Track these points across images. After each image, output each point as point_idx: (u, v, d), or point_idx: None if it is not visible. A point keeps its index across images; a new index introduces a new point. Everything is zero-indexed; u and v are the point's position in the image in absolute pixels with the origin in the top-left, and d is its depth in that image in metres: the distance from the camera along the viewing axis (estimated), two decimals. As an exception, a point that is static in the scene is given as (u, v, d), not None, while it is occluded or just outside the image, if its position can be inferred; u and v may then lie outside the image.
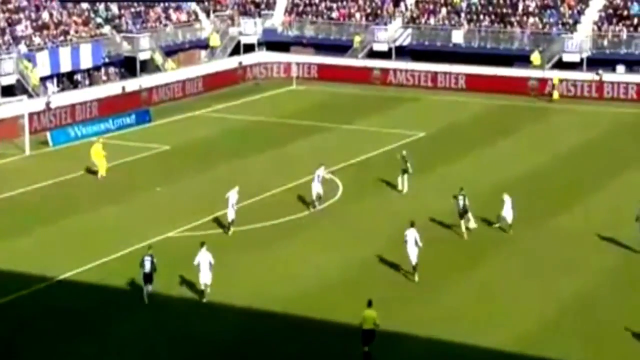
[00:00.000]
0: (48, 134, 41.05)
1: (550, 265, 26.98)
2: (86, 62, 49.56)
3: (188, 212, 31.24)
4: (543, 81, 51.76)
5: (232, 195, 29.11)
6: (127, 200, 32.91)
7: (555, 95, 50.42)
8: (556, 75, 51.09)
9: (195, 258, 24.41)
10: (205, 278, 24.23)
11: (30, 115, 40.84)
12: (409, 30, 56.84)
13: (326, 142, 41.51)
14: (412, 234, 25.67)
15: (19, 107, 40.26)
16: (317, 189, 31.39)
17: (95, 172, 35.61)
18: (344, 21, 59.02)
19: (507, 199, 29.45)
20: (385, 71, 55.29)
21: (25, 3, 50.60)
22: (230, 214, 28.99)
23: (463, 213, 28.83)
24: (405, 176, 33.42)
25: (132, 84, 50.21)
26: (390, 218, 30.86)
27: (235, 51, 58.40)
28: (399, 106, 49.55)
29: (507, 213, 29.32)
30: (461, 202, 28.86)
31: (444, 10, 57.77)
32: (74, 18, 52.08)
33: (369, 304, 21.66)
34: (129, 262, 27.05)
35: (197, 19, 58.97)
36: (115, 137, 42.84)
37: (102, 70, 51.28)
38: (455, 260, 27.29)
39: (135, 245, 28.25)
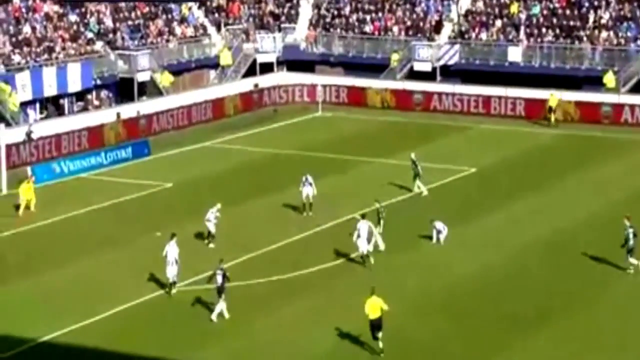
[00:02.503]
0: (29, 169, 41.48)
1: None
2: (74, 85, 50.21)
3: (192, 262, 31.36)
4: (619, 107, 51.65)
5: (211, 214, 32.68)
6: (121, 248, 33.10)
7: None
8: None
9: (164, 249, 28.30)
10: (171, 272, 28.53)
11: (8, 147, 41.35)
12: (457, 47, 57.09)
13: (357, 180, 41.61)
14: (364, 227, 30.34)
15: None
16: (308, 191, 35.31)
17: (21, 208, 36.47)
18: (379, 36, 59.44)
19: None
20: (428, 95, 55.47)
21: (3, 15, 51.47)
22: (210, 228, 32.63)
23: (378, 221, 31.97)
24: (417, 181, 37.62)
25: (128, 110, 50.74)
26: (424, 273, 30.87)
27: (251, 71, 58.91)
28: (445, 136, 49.62)
29: None
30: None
31: (498, 22, 57.98)
32: (61, 32, 52.88)
33: (372, 291, 24.61)
34: (120, 322, 27.17)
35: (205, 33, 59.66)
36: (108, 173, 43.25)
37: (94, 93, 51.90)
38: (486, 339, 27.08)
39: (129, 303, 28.37)
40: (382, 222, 33.24)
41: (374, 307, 24.45)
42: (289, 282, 30.18)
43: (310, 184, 36.16)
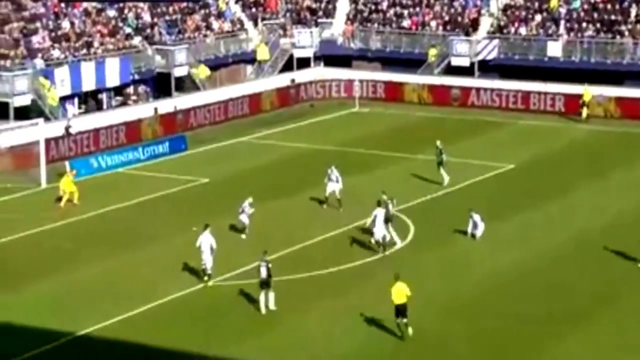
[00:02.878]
0: (67, 163, 42.03)
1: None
2: (113, 80, 50.73)
3: (229, 257, 31.66)
4: (662, 103, 51.27)
5: (246, 206, 33.36)
6: (158, 243, 33.49)
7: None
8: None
9: (197, 239, 29.07)
10: (207, 262, 29.03)
11: (47, 141, 41.88)
12: (496, 42, 56.90)
13: (394, 175, 41.69)
14: (380, 214, 31.21)
15: (34, 132, 41.30)
16: (334, 187, 35.84)
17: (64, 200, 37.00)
18: (416, 31, 59.40)
19: None
20: (466, 90, 55.36)
21: (42, 10, 52.09)
22: (244, 220, 33.40)
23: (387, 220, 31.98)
24: (441, 169, 38.53)
25: (165, 105, 51.20)
26: (455, 270, 30.97)
27: (288, 66, 59.15)
28: (483, 132, 49.53)
29: None
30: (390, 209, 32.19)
31: (538, 17, 57.70)
32: (99, 27, 53.43)
33: (397, 278, 25.63)
34: (160, 315, 27.53)
35: (242, 28, 59.97)
36: (145, 168, 43.70)
37: (131, 88, 52.40)
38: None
39: (167, 297, 28.72)
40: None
41: (399, 293, 25.46)
42: (324, 279, 30.37)
43: (337, 179, 36.44)
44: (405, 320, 25.55)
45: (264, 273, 27.54)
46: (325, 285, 29.85)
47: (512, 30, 57.49)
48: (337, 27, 61.18)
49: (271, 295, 27.64)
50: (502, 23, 58.14)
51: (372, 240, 32.24)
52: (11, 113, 45.98)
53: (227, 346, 25.83)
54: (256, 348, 25.80)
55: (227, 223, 34.76)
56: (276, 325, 27.00)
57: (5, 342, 25.98)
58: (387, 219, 32.40)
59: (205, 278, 29.67)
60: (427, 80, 56.64)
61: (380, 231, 31.69)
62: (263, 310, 27.60)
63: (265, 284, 27.55)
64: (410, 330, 25.78)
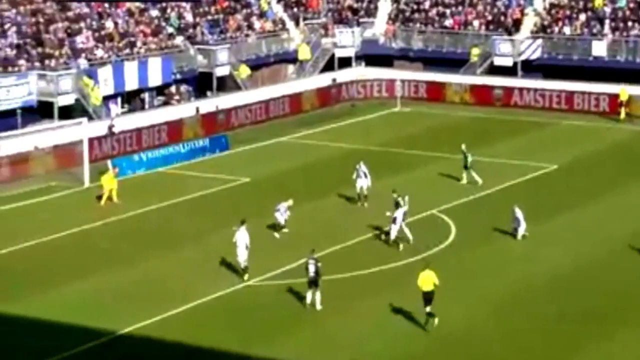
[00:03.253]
0: (109, 162, 42.48)
1: None
2: (155, 79, 51.18)
3: (268, 256, 31.88)
4: None
5: (283, 207, 33.76)
6: (198, 242, 33.77)
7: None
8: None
9: (234, 235, 29.40)
10: (242, 257, 29.51)
11: (91, 141, 42.36)
12: (539, 41, 56.59)
13: (436, 175, 41.64)
14: (400, 213, 32.12)
15: (78, 131, 41.81)
16: (362, 183, 36.32)
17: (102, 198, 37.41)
18: (459, 30, 59.25)
19: None
20: (509, 90, 55.13)
21: (86, 10, 52.70)
22: (279, 218, 33.67)
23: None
24: (470, 171, 39.03)
25: (207, 105, 51.57)
26: (497, 270, 30.93)
27: (329, 66, 59.28)
28: (526, 132, 49.31)
29: None
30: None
31: (582, 16, 57.28)
32: (142, 27, 53.94)
33: (426, 265, 26.57)
34: (200, 314, 27.79)
35: (284, 28, 60.21)
36: (186, 168, 44.05)
37: (173, 88, 52.84)
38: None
39: (207, 296, 28.99)
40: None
41: (427, 280, 26.20)
42: (365, 278, 30.45)
43: (365, 175, 36.83)
44: (428, 308, 26.04)
45: (312, 271, 27.67)
46: (366, 284, 29.91)
47: (556, 29, 57.12)
48: (379, 27, 61.20)
49: (318, 294, 27.75)
50: (545, 22, 57.79)
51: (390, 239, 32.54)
52: (55, 112, 46.56)
53: (265, 345, 25.97)
54: (294, 348, 25.91)
55: (267, 223, 34.95)
56: (316, 325, 27.13)
57: (45, 341, 26.32)
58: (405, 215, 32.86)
59: (242, 273, 29.99)
60: (469, 80, 56.47)
61: (394, 231, 32.13)
62: (308, 308, 27.73)
63: (313, 283, 27.64)
64: (436, 321, 26.13)
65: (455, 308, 27.93)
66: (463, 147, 39.69)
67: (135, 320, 27.19)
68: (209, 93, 53.72)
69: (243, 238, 29.82)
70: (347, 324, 27.28)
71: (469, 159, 39.39)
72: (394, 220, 32.36)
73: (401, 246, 32.31)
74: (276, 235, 33.91)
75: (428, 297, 26.13)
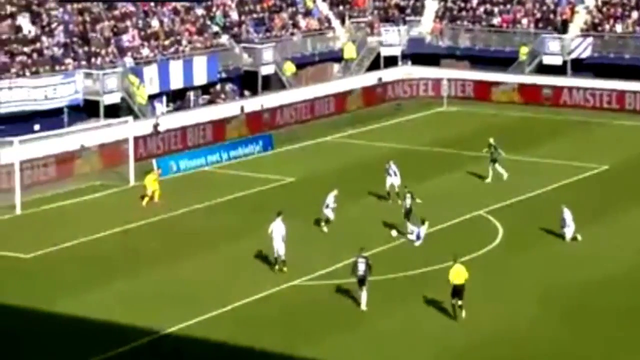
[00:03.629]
0: (154, 161, 42.76)
1: None
2: (200, 78, 51.43)
3: (317, 256, 31.86)
4: None
5: (330, 198, 33.95)
6: (242, 241, 33.84)
7: None
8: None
9: (270, 226, 29.98)
10: (279, 249, 29.94)
11: (136, 139, 42.63)
12: (589, 40, 55.98)
13: (481, 177, 41.36)
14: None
15: (124, 130, 42.13)
16: (393, 181, 36.77)
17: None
18: (507, 29, 58.80)
19: None
20: (558, 90, 54.62)
21: (132, 9, 53.10)
22: (329, 214, 33.96)
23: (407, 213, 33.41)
24: (496, 165, 39.17)
25: (252, 104, 51.70)
26: (545, 273, 30.63)
27: (375, 65, 59.16)
28: (576, 132, 48.84)
29: None
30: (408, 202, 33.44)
31: (635, 14, 56.53)
32: (187, 26, 54.23)
33: (455, 259, 27.01)
34: (243, 314, 27.85)
35: (330, 26, 60.18)
36: (231, 167, 44.20)
37: (218, 86, 53.06)
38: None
39: (251, 296, 29.04)
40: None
41: (458, 274, 26.74)
42: (411, 279, 30.32)
43: (395, 174, 37.08)
44: (460, 302, 26.52)
45: (361, 269, 27.63)
46: (411, 285, 29.78)
47: (607, 27, 56.46)
48: (426, 25, 60.93)
49: (364, 294, 27.73)
50: (596, 20, 57.14)
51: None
52: (101, 111, 46.94)
53: (310, 346, 25.96)
54: (340, 348, 25.86)
55: (312, 223, 34.95)
56: (359, 326, 27.06)
57: (89, 340, 26.51)
58: (407, 213, 33.28)
59: (277, 266, 30.34)
60: (517, 79, 56.03)
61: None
62: (364, 307, 27.71)
63: (362, 281, 27.64)
64: (463, 313, 26.55)
65: (502, 309, 27.75)
66: (491, 140, 39.81)
67: (179, 320, 27.31)
68: (247, 92, 53.72)
69: (279, 230, 30.17)
70: (392, 325, 27.17)
71: (498, 153, 39.64)
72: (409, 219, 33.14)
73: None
74: (324, 229, 34.04)
75: (458, 290, 26.63)
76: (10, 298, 28.92)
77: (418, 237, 33.14)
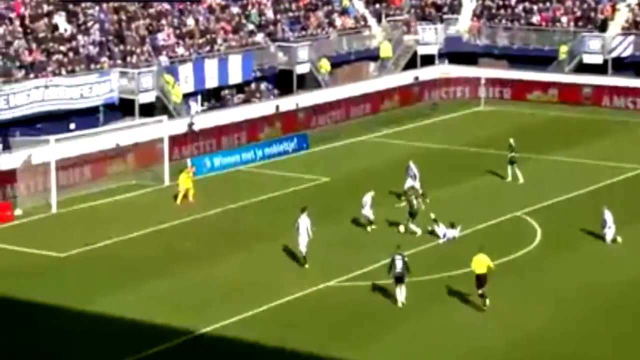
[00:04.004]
0: (189, 160, 42.97)
1: None
2: (235, 77, 51.61)
3: (352, 257, 31.89)
4: None
5: (367, 199, 34.06)
6: (278, 241, 33.89)
7: None
8: None
9: (296, 222, 30.71)
10: (302, 243, 30.76)
11: (171, 138, 42.85)
12: (631, 38, 55.50)
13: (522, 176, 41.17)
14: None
15: (159, 129, 42.39)
16: (410, 183, 36.61)
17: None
18: (546, 27, 58.44)
19: None
20: (598, 89, 54.18)
21: (167, 7, 53.41)
22: (368, 215, 34.13)
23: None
24: (514, 166, 39.17)
25: (287, 103, 51.80)
26: (586, 274, 30.52)
27: (411, 64, 59.04)
28: (616, 133, 48.46)
29: None
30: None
31: (676, 12, 56.02)
32: (222, 24, 54.45)
33: (480, 249, 27.69)
34: (281, 315, 27.93)
35: (365, 25, 60.15)
36: (266, 166, 44.32)
37: (253, 85, 53.21)
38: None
39: (288, 296, 29.12)
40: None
41: (480, 263, 27.55)
42: (446, 281, 30.26)
43: (415, 176, 37.10)
44: (481, 290, 27.25)
45: (399, 267, 27.88)
46: (448, 286, 29.70)
47: (649, 26, 55.97)
48: (463, 24, 60.70)
49: (404, 290, 28.04)
50: (638, 18, 56.61)
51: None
52: (136, 110, 47.26)
53: (342, 347, 25.97)
54: (372, 350, 25.86)
55: (347, 223, 34.96)
56: (396, 327, 27.07)
57: (124, 340, 26.73)
58: (412, 214, 33.47)
59: (301, 261, 31.07)
60: (557, 78, 55.67)
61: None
62: (400, 304, 27.94)
63: (400, 279, 27.87)
64: (487, 302, 27.26)
65: (540, 310, 27.65)
66: (511, 141, 39.89)
67: (214, 320, 27.45)
68: (275, 90, 53.77)
69: (304, 225, 30.90)
70: (431, 325, 27.16)
71: (515, 154, 39.60)
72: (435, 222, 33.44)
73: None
74: (369, 229, 34.32)
75: (481, 280, 27.32)
76: (45, 297, 29.22)
77: (444, 236, 33.22)
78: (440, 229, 33.39)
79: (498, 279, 29.68)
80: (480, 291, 27.29)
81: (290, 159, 45.55)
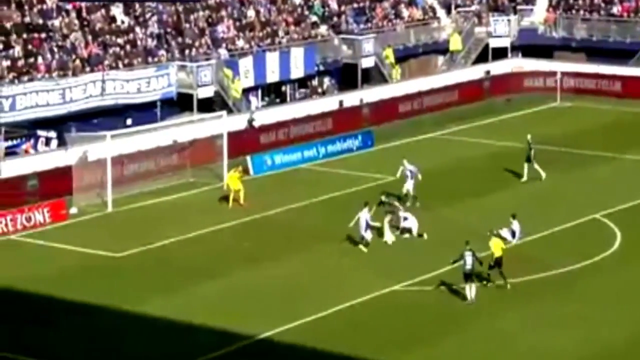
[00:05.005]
0: (249, 158, 43.18)
1: None
2: (297, 71, 51.72)
3: (418, 260, 31.78)
4: None
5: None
6: (340, 244, 33.90)
7: None
8: None
9: (357, 215, 32.36)
10: (365, 235, 32.36)
11: (230, 135, 43.06)
12: None
13: (599, 177, 40.66)
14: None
15: (217, 125, 42.65)
16: (408, 186, 37.06)
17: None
18: (628, 18, 57.60)
19: None
20: (683, 84, 53.33)
21: (228, -1, 53.74)
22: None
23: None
24: (531, 164, 39.51)
25: (351, 98, 51.81)
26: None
27: (482, 57, 58.66)
28: None
29: None
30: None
31: None
32: (284, 16, 54.63)
33: (491, 234, 30.18)
34: (343, 319, 27.92)
35: (434, 16, 59.92)
36: (328, 165, 44.34)
37: (315, 80, 53.29)
38: None
39: (351, 300, 29.11)
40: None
41: (497, 246, 29.75)
42: (525, 285, 30.02)
43: (411, 175, 37.27)
44: (501, 270, 29.38)
45: (469, 263, 28.27)
46: (526, 291, 29.52)
47: None
48: (538, 15, 60.12)
49: (474, 287, 28.30)
50: None
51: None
52: (195, 105, 47.60)
53: (407, 354, 25.87)
54: (440, 356, 25.74)
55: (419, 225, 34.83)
56: (463, 332, 26.92)
57: (177, 345, 26.86)
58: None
59: (364, 245, 32.59)
60: (639, 72, 54.83)
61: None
62: (469, 300, 28.25)
63: (469, 276, 28.22)
64: (508, 284, 29.01)
65: (618, 318, 27.25)
66: (529, 137, 40.01)
67: (273, 324, 27.50)
68: (338, 85, 53.78)
69: (365, 218, 32.42)
70: (506, 328, 26.99)
71: (532, 151, 39.65)
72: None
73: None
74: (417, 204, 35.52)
75: (499, 261, 29.43)
76: (100, 297, 29.58)
77: (513, 236, 33.22)
78: (504, 232, 33.09)
79: (576, 284, 29.47)
80: (500, 270, 29.25)
81: (355, 157, 45.53)
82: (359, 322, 27.96)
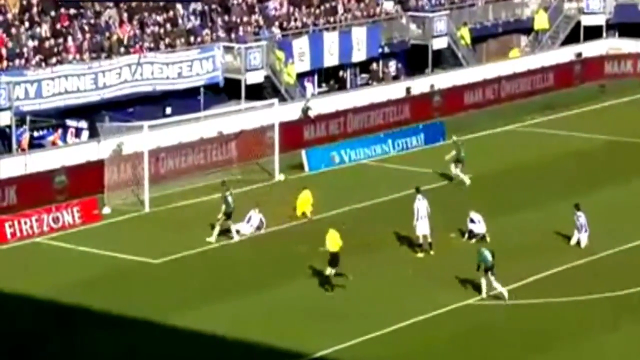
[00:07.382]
0: (303, 153, 43.51)
1: None
2: (359, 53, 51.89)
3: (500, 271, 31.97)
4: None
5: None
6: (408, 251, 34.11)
7: None
8: None
9: (413, 204, 33.31)
10: (421, 228, 33.34)
11: (282, 126, 43.32)
12: None
13: None
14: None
15: (268, 114, 42.99)
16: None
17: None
18: None
19: None
20: None
21: (283, -30, 54.03)
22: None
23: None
24: (460, 166, 40.01)
25: (420, 84, 51.93)
26: None
27: (572, 37, 58.43)
28: None
29: None
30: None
31: None
32: (346, -10, 54.76)
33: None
34: (412, 338, 28.08)
35: (517, -10, 59.78)
36: (394, 161, 44.50)
37: (380, 63, 53.43)
38: None
39: (419, 316, 29.27)
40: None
41: (333, 240, 31.46)
42: (605, 301, 30.04)
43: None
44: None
45: (489, 257, 29.86)
46: (599, 311, 29.57)
47: None
48: (638, -12, 59.79)
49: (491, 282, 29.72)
50: None
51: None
52: (242, 92, 47.91)
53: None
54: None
55: (491, 227, 34.87)
56: (546, 351, 26.97)
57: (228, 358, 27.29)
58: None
59: (423, 252, 33.29)
60: None
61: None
62: (484, 294, 29.33)
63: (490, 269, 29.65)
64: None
65: None
66: (454, 138, 41.18)
67: (330, 342, 27.68)
68: (406, 69, 53.94)
69: (423, 208, 33.30)
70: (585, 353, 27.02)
71: (463, 153, 40.33)
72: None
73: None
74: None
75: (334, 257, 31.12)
76: (134, 308, 30.03)
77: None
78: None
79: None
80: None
81: (423, 152, 45.66)
82: (428, 340, 28.12)
